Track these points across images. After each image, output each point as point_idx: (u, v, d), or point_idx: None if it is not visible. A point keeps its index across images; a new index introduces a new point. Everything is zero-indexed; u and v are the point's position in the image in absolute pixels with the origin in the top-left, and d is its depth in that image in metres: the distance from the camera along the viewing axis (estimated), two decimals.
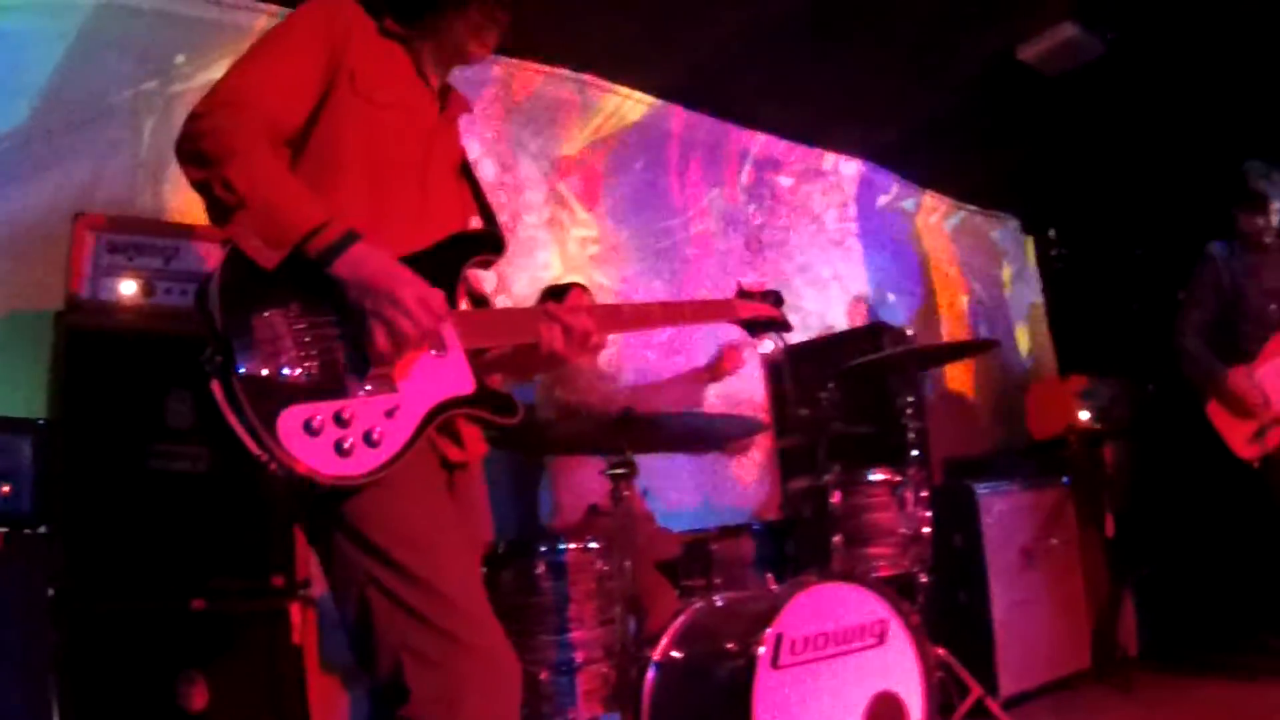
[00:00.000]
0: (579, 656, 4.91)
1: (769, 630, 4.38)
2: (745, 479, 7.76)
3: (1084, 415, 8.69)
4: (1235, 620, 8.03)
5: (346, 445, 2.67)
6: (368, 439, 2.72)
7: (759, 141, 8.72)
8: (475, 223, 3.41)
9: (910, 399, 5.99)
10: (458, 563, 2.88)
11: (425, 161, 3.23)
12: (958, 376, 10.15)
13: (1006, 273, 11.49)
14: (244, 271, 2.67)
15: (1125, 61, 8.19)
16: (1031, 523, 7.67)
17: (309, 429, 2.63)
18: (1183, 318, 7.38)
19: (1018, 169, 10.20)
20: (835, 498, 5.66)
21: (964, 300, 10.71)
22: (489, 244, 3.25)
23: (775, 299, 4.19)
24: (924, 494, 5.89)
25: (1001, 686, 6.96)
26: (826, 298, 9.01)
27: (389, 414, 2.79)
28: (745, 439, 7.06)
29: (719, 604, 4.94)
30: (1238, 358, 7.11)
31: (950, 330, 10.34)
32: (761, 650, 4.33)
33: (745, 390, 7.95)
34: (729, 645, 4.49)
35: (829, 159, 9.36)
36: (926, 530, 5.83)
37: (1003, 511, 7.41)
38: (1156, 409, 8.99)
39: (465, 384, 3.01)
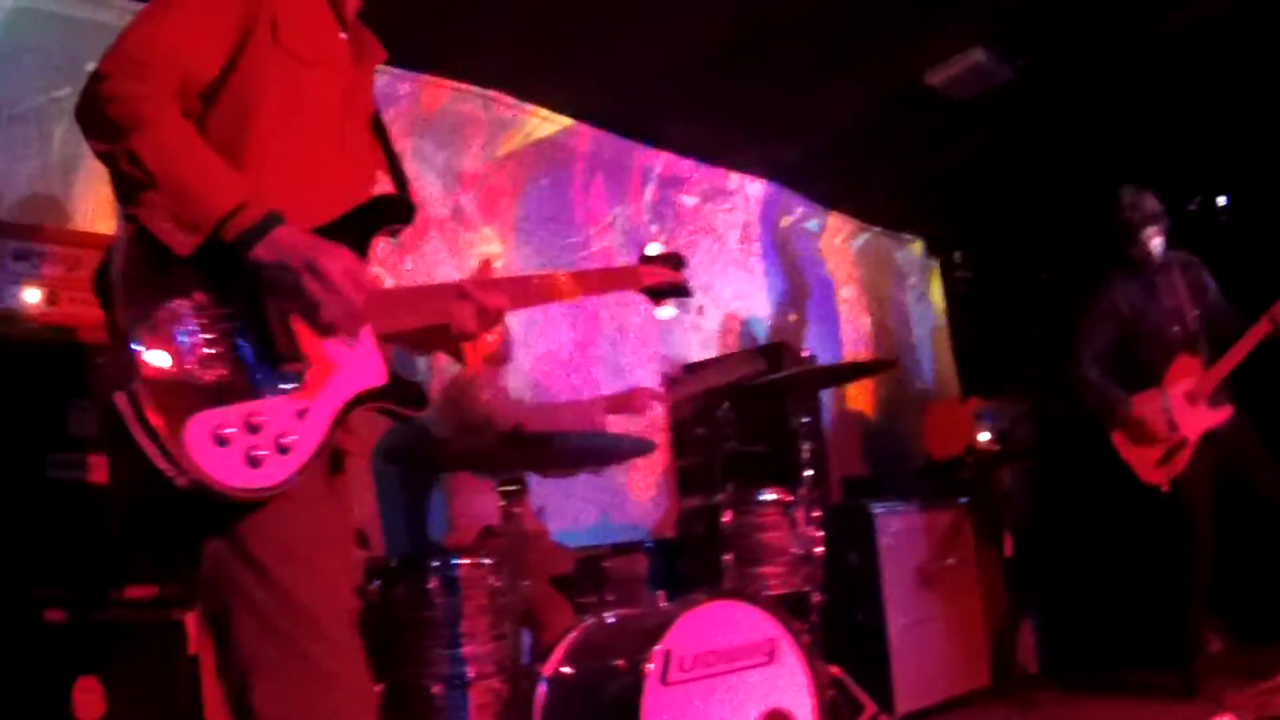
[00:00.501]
0: (471, 671, 4.92)
1: (658, 647, 4.37)
2: (643, 497, 7.78)
3: (983, 436, 8.77)
4: (1135, 640, 8.07)
5: (258, 455, 2.49)
6: (279, 446, 2.54)
7: (663, 160, 8.74)
8: (383, 184, 3.25)
9: (805, 419, 6.02)
10: (336, 584, 2.72)
11: (343, 119, 3.04)
12: (858, 397, 10.21)
13: (910, 294, 11.57)
14: (149, 256, 2.46)
15: (1033, 87, 8.29)
16: (928, 542, 7.74)
17: (218, 439, 2.44)
18: (1080, 347, 7.44)
19: (924, 191, 10.27)
20: (727, 517, 5.69)
21: (867, 321, 10.77)
22: (400, 212, 3.03)
23: (676, 262, 4.17)
24: (816, 514, 5.91)
25: (898, 704, 7.04)
26: (728, 317, 9.04)
27: (300, 415, 2.61)
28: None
29: (610, 621, 4.94)
30: (1141, 382, 7.22)
31: (852, 350, 10.40)
32: (650, 667, 4.33)
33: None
34: (618, 662, 4.48)
35: (734, 179, 9.39)
36: (818, 550, 5.86)
37: (899, 531, 7.47)
38: (1057, 431, 9.08)
39: (378, 374, 2.87)
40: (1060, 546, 9.00)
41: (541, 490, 6.36)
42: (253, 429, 2.50)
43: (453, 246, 7.17)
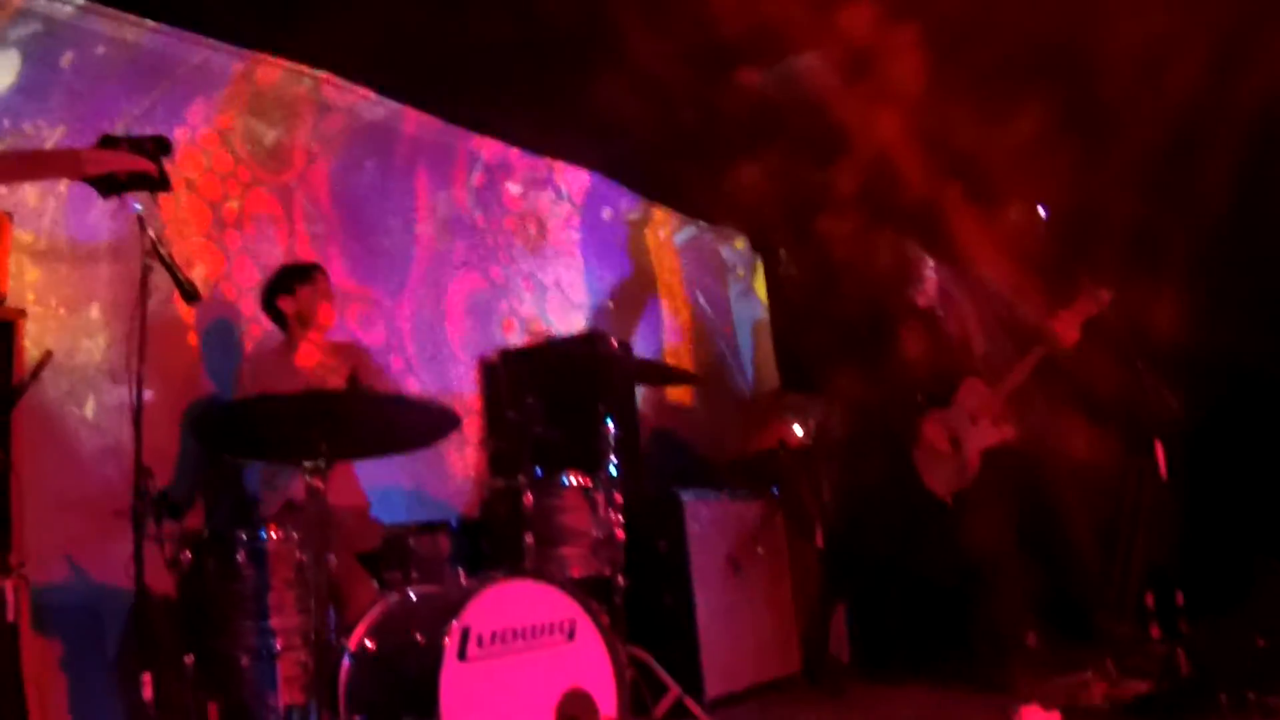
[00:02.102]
0: (279, 643, 4.97)
1: (455, 623, 4.45)
2: (457, 478, 7.83)
3: (797, 430, 8.91)
4: (948, 633, 8.16)
5: None
6: None
7: (489, 147, 8.76)
8: None
9: (614, 407, 6.09)
10: None
11: None
12: (675, 388, 10.27)
13: (734, 289, 11.70)
14: None
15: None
16: (738, 531, 7.86)
17: None
18: (878, 376, 7.81)
19: (750, 189, 10.38)
20: (528, 499, 5.73)
21: (687, 313, 10.86)
22: None
23: (158, 146, 3.70)
24: (617, 498, 6.00)
25: (708, 688, 7.11)
26: (547, 304, 9.10)
27: None
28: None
29: (412, 597, 5.03)
30: (935, 402, 7.51)
31: (671, 342, 10.48)
32: (447, 642, 4.41)
33: (457, 391, 8.04)
34: (418, 637, 4.55)
35: (558, 168, 9.45)
36: (619, 533, 5.96)
37: (709, 519, 7.58)
38: (869, 427, 9.26)
39: None
40: (871, 540, 9.16)
41: (359, 467, 6.39)
42: None
43: (279, 225, 7.16)
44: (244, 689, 4.93)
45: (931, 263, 7.59)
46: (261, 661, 4.97)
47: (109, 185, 3.56)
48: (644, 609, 6.79)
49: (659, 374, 7.14)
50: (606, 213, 9.96)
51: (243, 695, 4.92)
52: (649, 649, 6.22)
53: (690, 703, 6.22)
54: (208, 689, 4.92)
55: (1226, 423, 7.91)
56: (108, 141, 3.53)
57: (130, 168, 3.55)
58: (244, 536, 5.07)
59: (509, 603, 4.76)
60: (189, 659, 4.84)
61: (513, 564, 5.56)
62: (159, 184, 3.65)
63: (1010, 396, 7.31)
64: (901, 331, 7.68)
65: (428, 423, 5.00)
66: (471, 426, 8.09)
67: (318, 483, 4.63)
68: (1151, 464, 7.05)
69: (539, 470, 5.97)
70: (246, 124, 7.07)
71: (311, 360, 6.16)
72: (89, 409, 5.85)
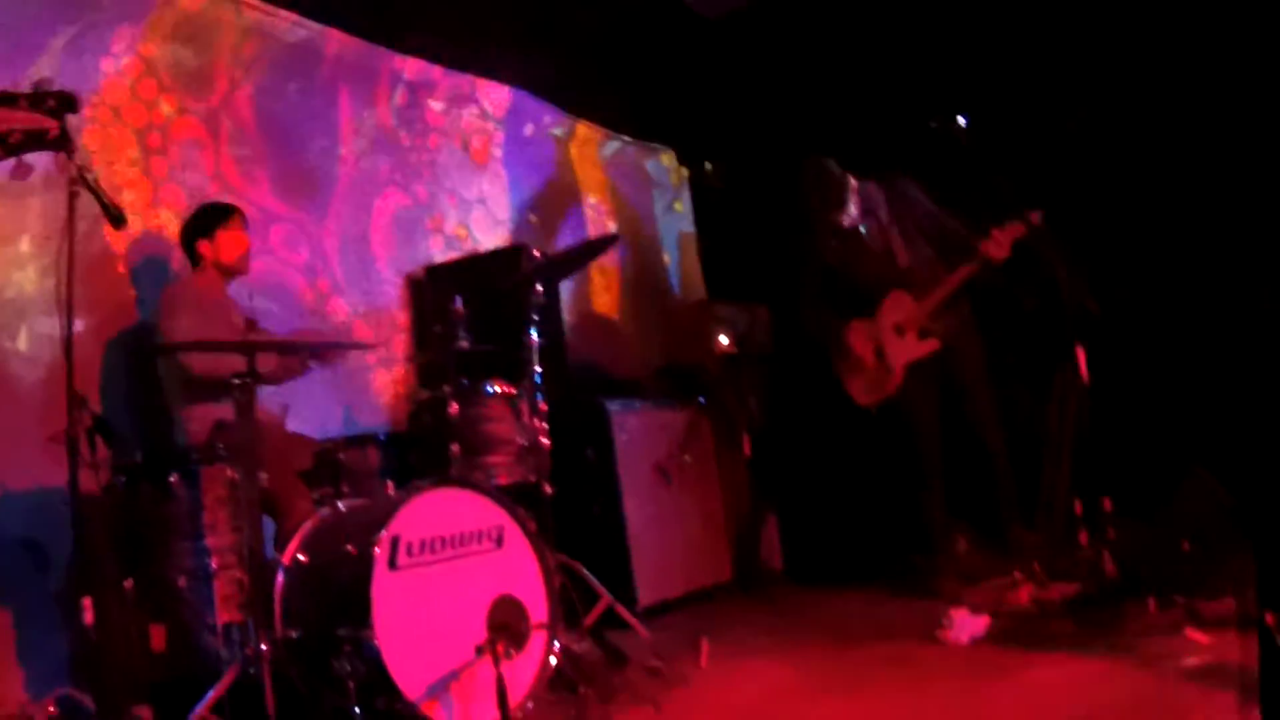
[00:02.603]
0: (214, 562, 5.04)
1: (384, 533, 4.54)
2: (386, 393, 7.88)
3: (723, 340, 8.98)
4: (880, 540, 8.29)
5: None
6: None
7: (412, 66, 8.75)
8: None
9: (535, 316, 6.11)
10: None
11: None
12: (604, 299, 10.34)
13: (659, 202, 11.72)
14: None
15: (784, 5, 8.50)
16: (666, 440, 7.96)
17: None
18: (803, 287, 7.91)
19: (675, 102, 10.43)
20: (453, 409, 5.80)
21: (612, 227, 10.83)
22: None
23: (61, 103, 3.48)
24: (541, 406, 6.04)
25: (640, 596, 7.27)
26: (472, 220, 9.12)
27: None
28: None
29: (343, 510, 5.12)
30: (861, 313, 7.56)
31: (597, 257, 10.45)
32: (377, 551, 4.49)
33: (384, 308, 8.09)
34: (349, 548, 4.64)
35: (480, 84, 9.44)
36: (544, 441, 5.99)
37: (635, 428, 7.69)
38: (795, 336, 9.34)
39: None
40: (800, 448, 9.26)
41: (287, 387, 6.43)
42: None
43: (205, 151, 7.17)
44: (183, 610, 5.01)
45: (854, 181, 7.64)
46: (198, 581, 5.04)
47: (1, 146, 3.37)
48: (574, 519, 6.82)
49: (582, 253, 7.10)
50: (529, 128, 9.95)
51: (182, 616, 5.00)
52: (580, 558, 6.23)
53: (621, 609, 6.26)
54: (149, 612, 4.99)
55: (1151, 329, 8.04)
56: (4, 100, 3.37)
57: (24, 126, 3.38)
58: (175, 458, 5.12)
59: (436, 511, 4.85)
60: (128, 583, 4.89)
61: (439, 473, 5.58)
62: (58, 143, 3.45)
63: (935, 310, 7.40)
64: (823, 244, 7.75)
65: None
66: (400, 343, 8.16)
67: (246, 401, 4.71)
68: (1073, 369, 7.16)
69: (465, 382, 6.02)
70: (170, 50, 7.03)
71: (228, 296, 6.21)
72: (22, 341, 5.85)
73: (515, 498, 5.42)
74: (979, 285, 7.32)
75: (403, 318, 8.21)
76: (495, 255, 8.29)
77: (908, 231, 7.58)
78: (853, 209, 7.56)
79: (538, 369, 6.04)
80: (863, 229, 7.59)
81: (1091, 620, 5.86)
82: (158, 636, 5.01)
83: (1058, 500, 7.56)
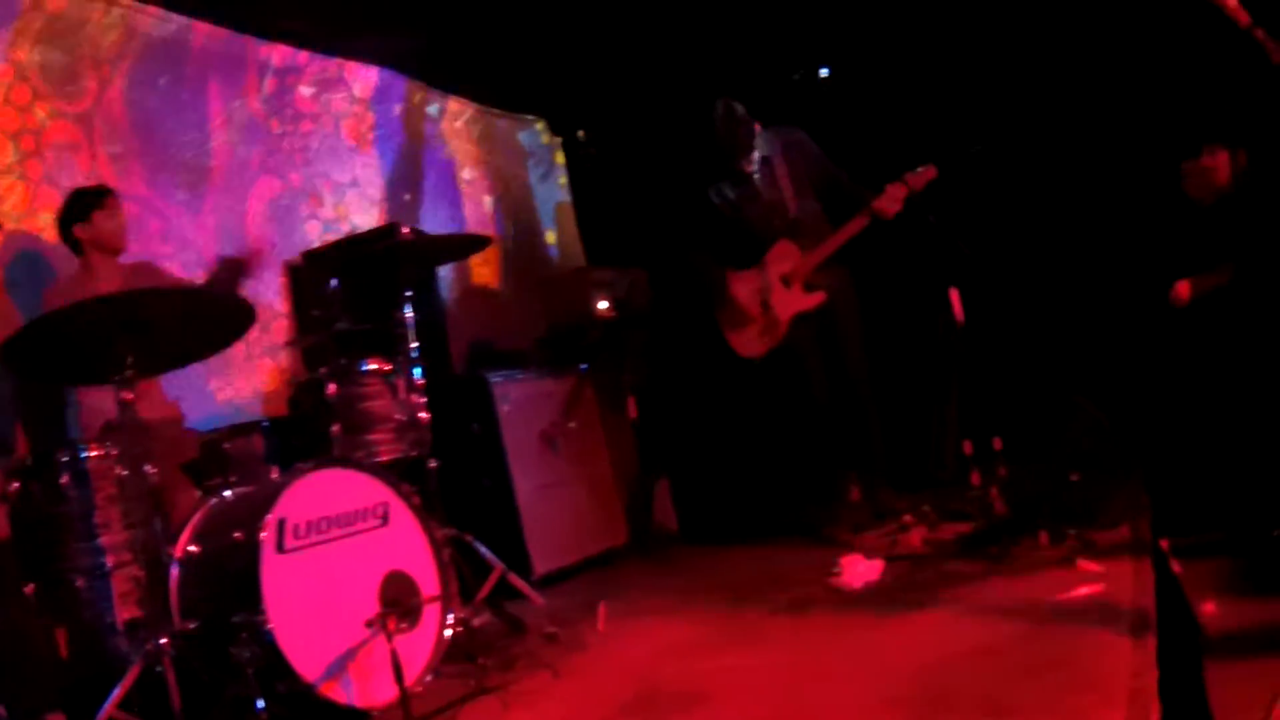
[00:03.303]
0: (110, 560, 5.03)
1: (270, 517, 4.59)
2: (273, 381, 7.89)
3: (602, 305, 9.05)
4: (773, 492, 8.44)
5: None
6: None
7: (278, 53, 8.76)
8: None
9: (409, 293, 6.13)
10: None
11: None
12: (484, 273, 10.43)
13: (534, 173, 11.81)
14: None
15: None
16: (550, 409, 8.00)
17: None
18: (689, 237, 8.02)
19: (542, 72, 10.47)
20: (331, 389, 5.85)
21: (488, 201, 10.95)
22: None
23: None
24: (418, 381, 6.07)
25: (536, 566, 7.32)
26: (348, 203, 9.15)
27: None
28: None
29: (229, 498, 5.16)
30: (748, 263, 7.69)
31: (474, 229, 10.50)
32: (264, 535, 4.54)
33: (265, 296, 8.09)
34: (236, 535, 4.69)
35: (348, 67, 9.45)
36: (423, 415, 6.03)
37: (518, 398, 7.71)
38: (675, 297, 9.43)
39: None
40: (687, 407, 9.35)
41: (175, 381, 6.45)
42: None
43: (79, 148, 7.15)
44: (84, 611, 5.00)
45: (758, 127, 7.74)
46: (96, 581, 5.03)
47: None
48: (464, 493, 7.00)
49: (454, 246, 7.14)
50: (399, 107, 9.97)
51: (84, 617, 5.00)
52: (473, 531, 6.29)
53: (515, 579, 6.32)
54: (53, 616, 4.99)
55: (1025, 268, 8.21)
56: None
57: None
58: (64, 459, 5.10)
59: (321, 492, 4.90)
60: (29, 589, 4.91)
61: (321, 454, 5.63)
62: None
63: (821, 263, 7.52)
64: (715, 190, 7.85)
65: (224, 316, 5.09)
66: (282, 329, 8.18)
67: (127, 396, 4.74)
68: (948, 313, 7.30)
69: (343, 362, 6.05)
70: (40, 53, 7.02)
71: (113, 284, 6.07)
72: None
73: (399, 473, 5.52)
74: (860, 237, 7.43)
75: (283, 304, 8.22)
76: (369, 236, 8.26)
77: (799, 182, 7.69)
78: (754, 154, 7.65)
79: (415, 344, 6.07)
80: (757, 176, 7.69)
81: (984, 557, 6.02)
82: (63, 640, 5.01)
83: (947, 442, 7.71)
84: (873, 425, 7.62)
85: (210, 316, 5.09)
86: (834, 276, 7.62)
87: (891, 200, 7.27)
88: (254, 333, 6.77)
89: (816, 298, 7.57)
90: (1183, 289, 6.84)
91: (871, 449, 7.62)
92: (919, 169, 7.32)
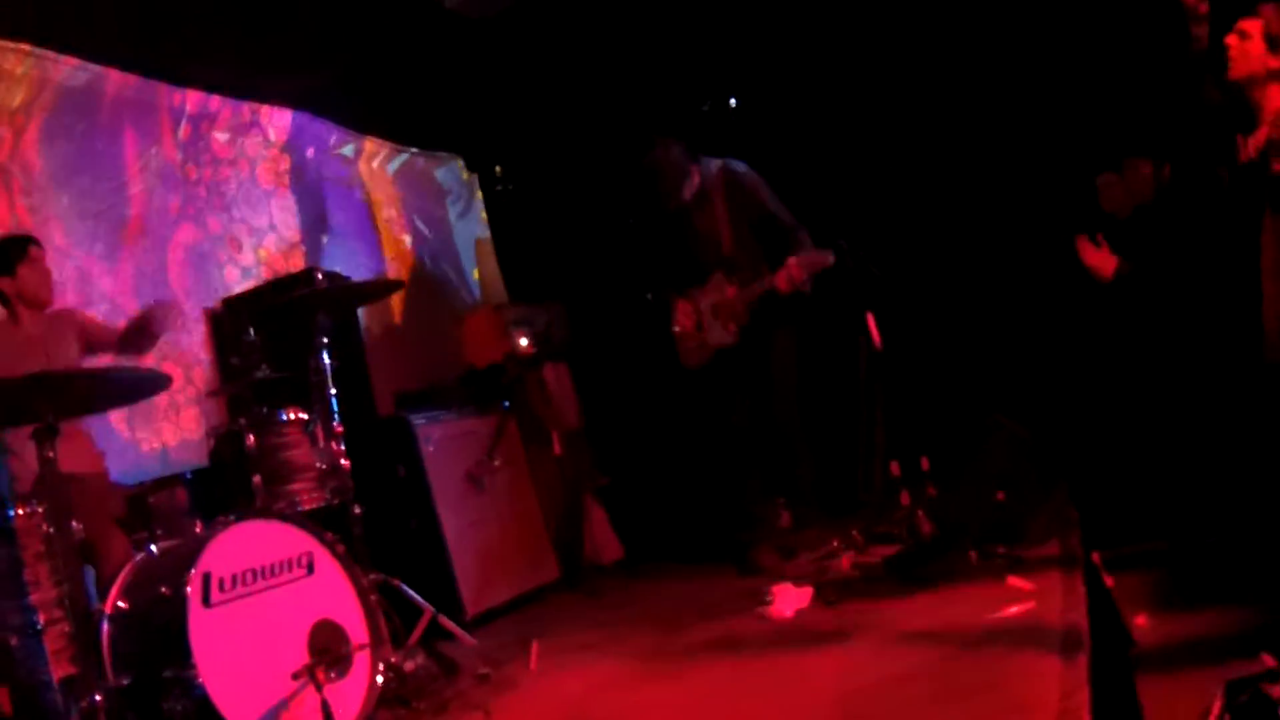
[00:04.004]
0: (41, 618, 4.99)
1: (194, 571, 4.61)
2: (197, 430, 7.86)
3: (522, 341, 9.09)
4: (702, 521, 8.53)
5: None
6: None
7: (191, 99, 8.72)
8: None
9: (324, 339, 6.14)
10: None
11: None
12: (404, 314, 10.39)
13: (453, 210, 11.84)
14: None
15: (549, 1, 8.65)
16: (475, 448, 8.04)
17: None
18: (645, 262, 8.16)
19: (457, 110, 10.50)
20: (250, 440, 5.84)
21: (408, 240, 10.97)
22: None
23: None
24: (337, 428, 6.08)
25: (468, 606, 7.34)
26: (265, 248, 9.12)
27: None
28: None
29: (155, 553, 5.16)
30: (686, 283, 7.86)
31: (395, 270, 10.56)
32: (189, 590, 4.56)
33: (187, 345, 8.06)
34: (163, 590, 4.69)
35: (262, 111, 9.42)
36: (344, 463, 6.04)
37: (441, 439, 7.75)
38: (592, 330, 9.50)
39: None
40: (616, 439, 9.39)
41: (99, 431, 6.42)
42: None
43: (4, 202, 7.11)
44: (19, 670, 4.95)
45: (699, 162, 7.84)
46: (29, 639, 4.95)
47: None
48: (390, 536, 6.95)
49: (371, 289, 7.18)
50: (314, 150, 9.96)
51: (19, 676, 4.97)
52: (402, 574, 6.31)
53: (445, 620, 6.35)
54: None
55: (942, 288, 8.30)
56: None
57: None
58: None
59: (244, 544, 4.92)
60: None
61: (243, 506, 5.65)
62: None
63: (746, 306, 7.63)
64: (651, 232, 7.97)
65: (141, 381, 5.11)
66: (204, 377, 8.14)
67: (49, 452, 4.73)
68: (866, 337, 7.38)
69: (263, 411, 6.05)
70: None
71: (37, 330, 6.12)
72: None
73: (323, 521, 5.52)
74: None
75: (205, 352, 8.18)
76: (286, 281, 8.22)
77: (736, 218, 7.76)
78: (692, 186, 7.75)
79: (333, 391, 6.08)
80: (694, 210, 7.83)
81: (913, 579, 6.06)
82: (4, 700, 4.99)
83: (874, 464, 7.77)
84: (800, 454, 7.69)
85: (128, 382, 5.10)
86: (768, 321, 7.72)
87: (788, 281, 7.36)
88: (178, 381, 6.78)
89: (730, 338, 7.74)
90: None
91: (798, 476, 7.67)
92: (815, 255, 7.41)
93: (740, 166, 7.87)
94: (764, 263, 7.66)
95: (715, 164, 7.86)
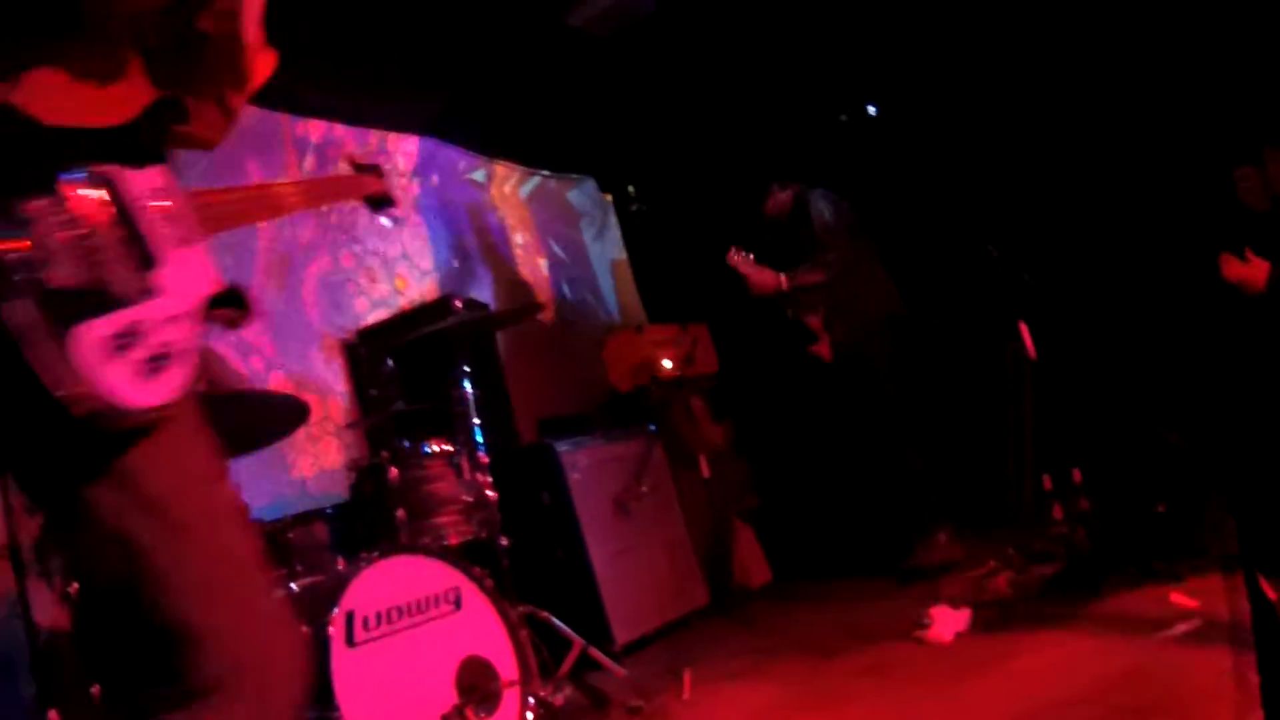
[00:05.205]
0: None
1: (336, 611, 4.45)
2: (337, 464, 7.75)
3: (666, 363, 8.93)
4: (853, 543, 8.26)
5: (150, 363, 2.18)
6: (164, 355, 2.24)
7: (314, 129, 8.66)
8: None
9: (466, 368, 6.04)
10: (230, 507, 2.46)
11: None
12: (543, 339, 10.24)
13: (588, 232, 11.70)
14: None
15: (677, 18, 8.48)
16: (621, 473, 7.84)
17: (111, 348, 2.13)
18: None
19: (588, 130, 10.39)
20: (393, 474, 5.68)
21: (543, 264, 10.84)
22: None
23: (378, 172, 4.05)
24: (482, 459, 5.94)
25: (617, 635, 7.12)
26: (398, 277, 9.02)
27: (171, 321, 2.32)
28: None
29: (296, 591, 5.01)
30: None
31: (531, 294, 10.45)
32: (332, 630, 4.41)
33: (322, 376, 7.97)
34: (304, 629, 4.54)
35: (389, 138, 9.37)
36: (490, 494, 5.89)
37: (587, 466, 7.55)
38: (738, 351, 9.33)
39: (212, 276, 2.58)
40: (766, 460, 9.22)
41: (239, 468, 6.32)
42: (136, 336, 2.22)
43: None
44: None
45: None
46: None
47: (375, 203, 4.01)
48: (538, 567, 6.84)
49: (509, 315, 7.11)
50: (440, 177, 9.86)
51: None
52: (550, 606, 6.15)
53: (595, 652, 6.18)
54: (124, 715, 4.88)
55: (1094, 296, 8.04)
56: (360, 169, 3.93)
57: (380, 189, 3.96)
58: None
59: (388, 581, 4.76)
60: (95, 689, 4.78)
61: (387, 542, 5.51)
62: (392, 202, 4.05)
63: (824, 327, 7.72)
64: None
65: (280, 415, 4.99)
66: (340, 409, 8.03)
67: None
68: (1019, 346, 7.14)
69: (406, 443, 5.91)
70: None
71: None
72: None
73: (469, 555, 5.38)
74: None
75: (342, 383, 8.08)
76: (422, 311, 8.09)
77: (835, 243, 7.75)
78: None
79: (476, 421, 5.96)
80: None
81: (1074, 598, 5.81)
82: None
83: (1025, 479, 7.54)
84: (912, 463, 7.58)
85: (267, 413, 4.98)
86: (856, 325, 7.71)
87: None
88: (316, 414, 6.66)
89: (826, 353, 7.77)
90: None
91: (926, 494, 7.50)
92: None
93: (843, 203, 7.99)
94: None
95: (826, 195, 7.92)
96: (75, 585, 4.92)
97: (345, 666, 4.40)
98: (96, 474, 2.24)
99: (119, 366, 2.16)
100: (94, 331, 2.14)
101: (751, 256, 7.79)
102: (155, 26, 2.76)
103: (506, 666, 5.03)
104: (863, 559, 7.90)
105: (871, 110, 8.69)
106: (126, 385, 2.17)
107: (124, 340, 2.17)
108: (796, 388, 8.63)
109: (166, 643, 2.30)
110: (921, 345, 7.64)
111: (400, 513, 5.61)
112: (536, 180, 11.16)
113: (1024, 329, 7.02)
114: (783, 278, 7.71)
